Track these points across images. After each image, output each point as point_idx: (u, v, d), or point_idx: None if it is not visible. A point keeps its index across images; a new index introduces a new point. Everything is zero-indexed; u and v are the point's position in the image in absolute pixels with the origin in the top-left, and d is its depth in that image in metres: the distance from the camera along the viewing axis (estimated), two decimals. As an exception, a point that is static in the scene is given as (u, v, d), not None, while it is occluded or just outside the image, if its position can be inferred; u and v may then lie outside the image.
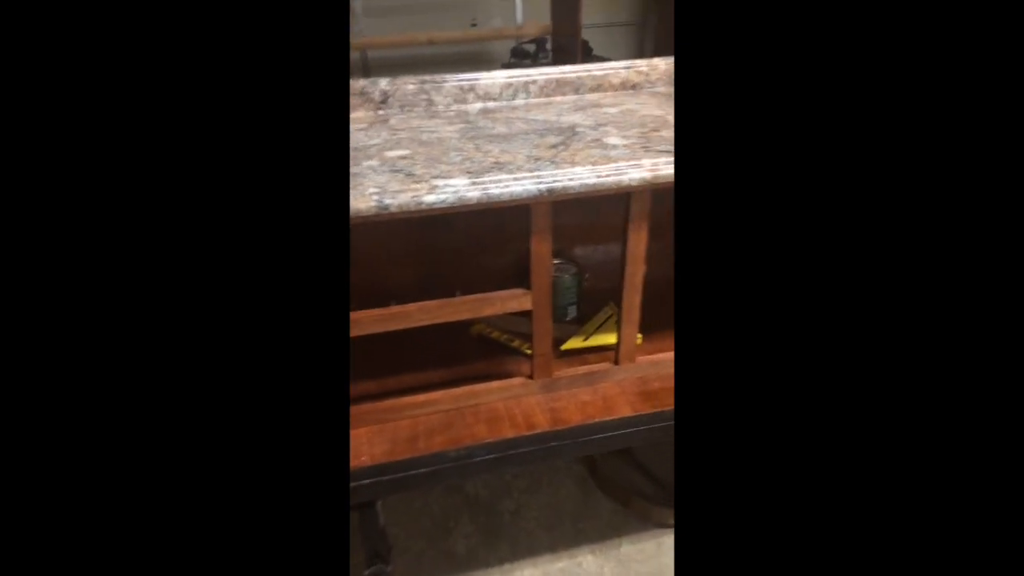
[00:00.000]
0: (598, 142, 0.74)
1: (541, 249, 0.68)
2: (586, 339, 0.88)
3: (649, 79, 1.05)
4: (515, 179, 0.62)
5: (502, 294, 0.71)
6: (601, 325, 0.92)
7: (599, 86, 1.04)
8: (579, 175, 0.64)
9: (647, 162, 0.66)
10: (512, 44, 3.01)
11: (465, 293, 0.72)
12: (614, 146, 0.72)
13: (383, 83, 0.96)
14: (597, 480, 1.10)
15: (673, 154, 0.68)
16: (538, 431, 0.73)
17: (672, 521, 1.02)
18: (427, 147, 0.74)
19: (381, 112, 0.95)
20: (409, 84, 0.97)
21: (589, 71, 1.04)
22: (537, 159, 0.68)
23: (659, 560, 0.94)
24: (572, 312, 0.97)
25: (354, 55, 3.11)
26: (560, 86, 1.03)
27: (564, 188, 0.63)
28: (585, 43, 2.81)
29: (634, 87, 1.05)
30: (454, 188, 0.61)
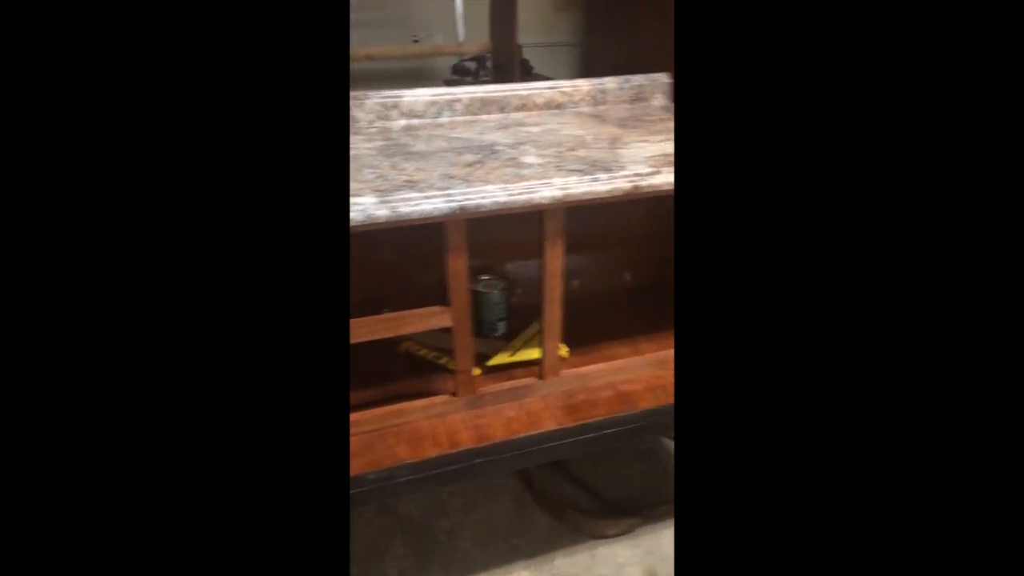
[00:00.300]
0: (514, 161, 0.75)
1: (458, 266, 0.68)
2: (513, 354, 0.89)
3: (572, 99, 1.08)
4: (425, 197, 0.63)
5: (421, 312, 0.70)
6: (529, 340, 0.93)
7: (524, 105, 1.06)
8: (490, 193, 0.65)
9: (559, 181, 0.68)
10: (453, 61, 3.03)
11: (394, 310, 0.71)
12: (529, 165, 0.73)
13: (304, 101, 0.95)
14: (533, 495, 1.10)
15: (586, 173, 0.70)
16: (462, 449, 0.72)
17: (608, 532, 1.03)
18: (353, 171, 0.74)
19: (302, 130, 0.94)
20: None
21: (515, 90, 1.06)
22: (451, 177, 0.68)
23: (592, 572, 0.95)
24: (502, 327, 0.98)
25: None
26: (485, 105, 1.04)
27: (475, 206, 0.64)
28: (525, 62, 2.86)
29: (559, 107, 1.08)
30: (361, 207, 0.60)
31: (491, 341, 0.94)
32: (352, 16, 3.13)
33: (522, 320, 0.99)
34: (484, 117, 1.03)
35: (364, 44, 3.16)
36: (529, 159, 0.76)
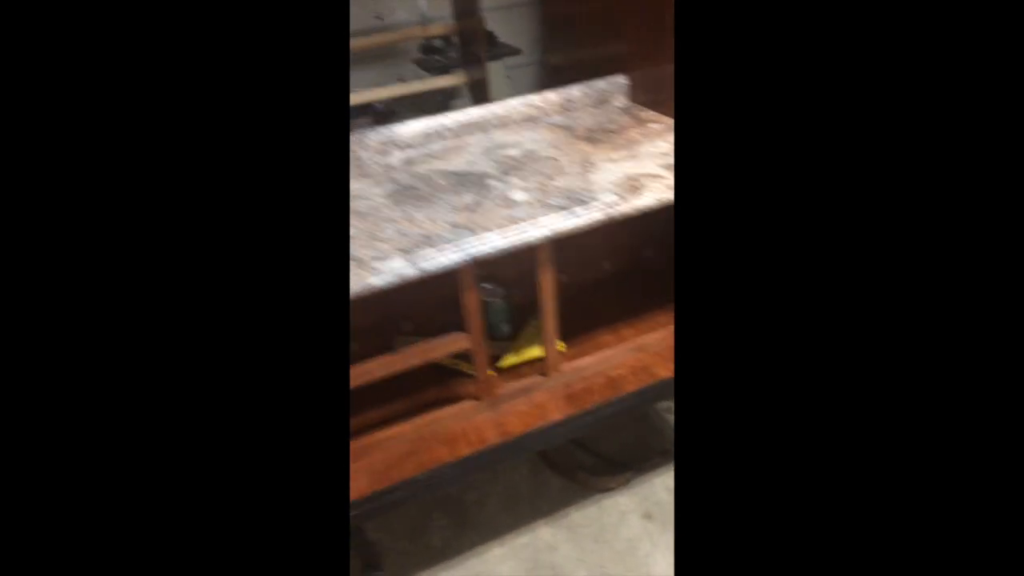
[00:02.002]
0: (504, 199, 0.88)
1: (471, 301, 0.82)
2: (518, 354, 1.04)
3: (545, 112, 1.19)
4: (442, 253, 0.76)
5: (444, 340, 0.85)
6: (530, 339, 1.08)
7: (503, 123, 1.17)
8: (492, 240, 0.78)
9: (545, 219, 0.81)
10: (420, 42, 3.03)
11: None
12: (518, 203, 0.86)
13: (309, 147, 1.05)
14: (546, 462, 1.29)
15: (566, 208, 0.83)
16: (489, 445, 0.89)
17: (611, 485, 1.23)
18: (364, 220, 0.86)
19: (311, 174, 1.04)
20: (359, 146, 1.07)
21: (494, 112, 1.17)
22: (456, 226, 0.81)
23: (601, 521, 1.14)
24: (506, 329, 1.12)
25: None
26: (469, 128, 1.15)
27: (482, 254, 0.77)
28: (490, 34, 2.89)
29: (533, 120, 1.19)
30: (394, 269, 0.73)
31: (500, 343, 1.09)
32: None
33: (522, 316, 1.14)
34: (469, 140, 1.14)
35: (327, 27, 3.13)
36: (517, 195, 0.89)
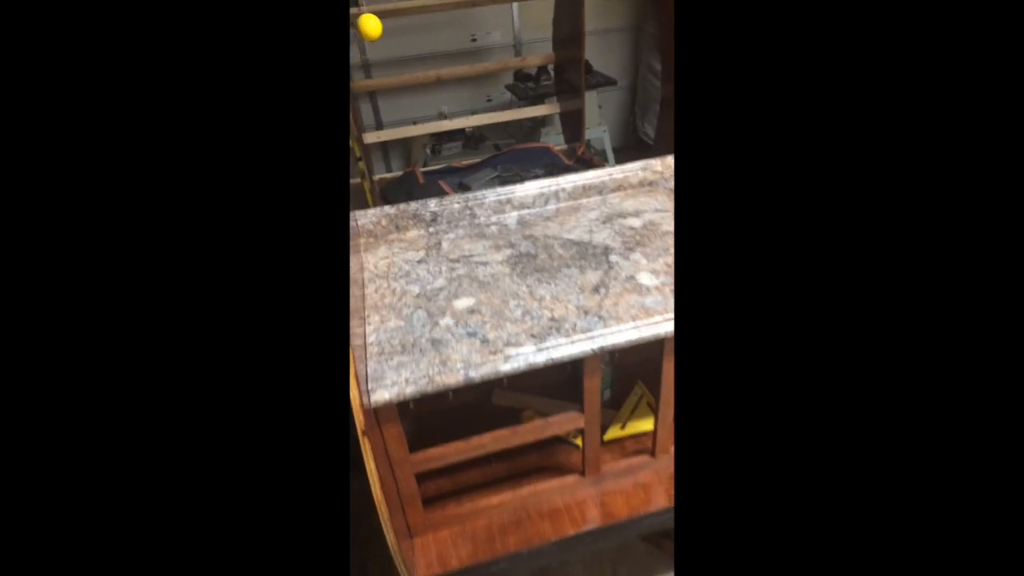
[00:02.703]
0: (633, 282, 0.87)
1: (592, 385, 0.82)
2: (623, 426, 1.03)
3: (664, 176, 1.17)
4: (572, 343, 0.76)
5: (559, 418, 0.85)
6: (634, 409, 1.07)
7: (620, 187, 1.16)
8: (624, 332, 0.77)
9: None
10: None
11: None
12: (647, 289, 0.85)
13: (432, 204, 1.08)
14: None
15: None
16: (592, 526, 0.88)
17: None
18: (487, 292, 0.87)
19: (432, 230, 1.07)
20: (455, 203, 1.09)
21: (610, 174, 1.16)
22: (586, 312, 0.81)
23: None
24: (607, 394, 1.12)
25: (364, 100, 3.17)
26: (586, 191, 1.15)
27: (612, 346, 0.77)
28: (586, 63, 2.88)
29: (651, 184, 1.17)
30: (524, 356, 0.74)
31: (602, 410, 1.08)
32: (409, 21, 3.17)
33: (623, 382, 1.12)
34: (585, 202, 1.14)
35: (425, 48, 3.23)
36: (645, 278, 0.88)
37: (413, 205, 1.07)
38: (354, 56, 3.10)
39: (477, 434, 0.82)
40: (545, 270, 0.92)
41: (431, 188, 2.06)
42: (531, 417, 1.08)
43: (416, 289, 0.90)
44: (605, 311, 0.81)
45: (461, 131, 3.11)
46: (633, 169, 1.17)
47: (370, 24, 0.99)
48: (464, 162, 2.38)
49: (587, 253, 0.96)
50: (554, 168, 2.25)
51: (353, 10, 1.85)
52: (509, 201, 1.11)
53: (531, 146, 2.52)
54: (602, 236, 1.01)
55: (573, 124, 2.54)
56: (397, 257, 1.00)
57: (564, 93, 2.60)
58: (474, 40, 3.30)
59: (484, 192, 1.10)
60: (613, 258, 0.94)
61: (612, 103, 3.69)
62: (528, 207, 1.13)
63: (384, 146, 3.50)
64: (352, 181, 2.09)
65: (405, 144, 3.38)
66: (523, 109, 2.52)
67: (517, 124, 3.26)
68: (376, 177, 2.34)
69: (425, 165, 2.86)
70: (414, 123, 3.30)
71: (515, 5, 3.18)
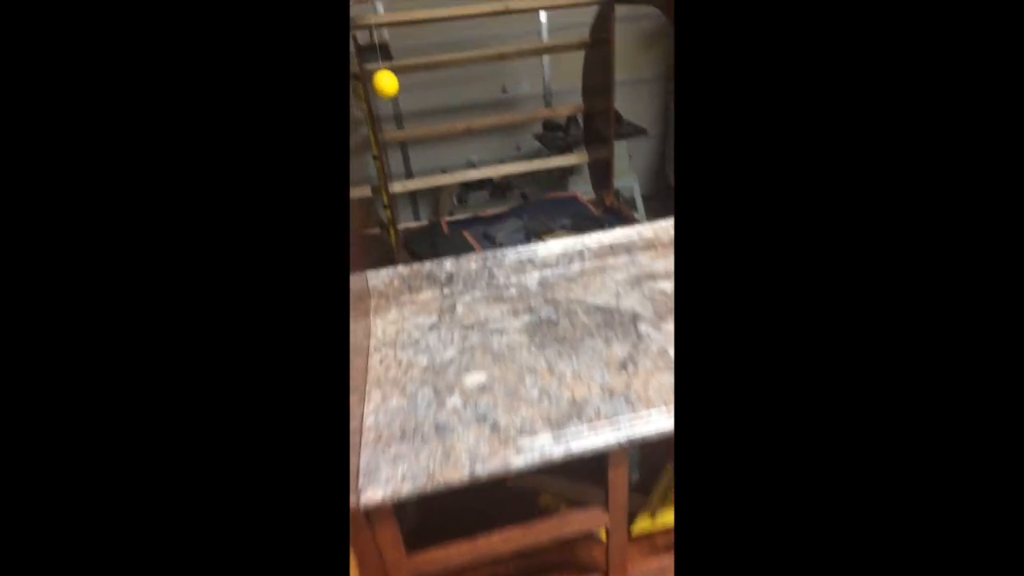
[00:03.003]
0: (665, 358, 0.77)
1: (618, 478, 0.72)
2: (653, 515, 0.91)
3: (699, 235, 1.09)
4: (595, 432, 0.66)
5: (580, 516, 0.74)
6: (665, 496, 0.95)
7: (650, 246, 1.08)
8: (654, 419, 0.67)
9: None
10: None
11: None
12: (682, 367, 0.75)
13: (448, 264, 1.02)
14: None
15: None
16: (619, 643, 0.76)
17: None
18: (503, 365, 0.79)
19: (447, 291, 1.00)
20: (472, 263, 1.02)
21: (640, 233, 1.08)
22: (611, 393, 0.71)
23: None
24: (635, 477, 1.00)
25: (395, 150, 3.22)
26: (613, 250, 1.07)
27: (641, 437, 0.66)
28: (616, 113, 2.86)
29: (685, 243, 1.09)
30: (539, 447, 0.65)
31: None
32: (443, 73, 3.23)
33: (650, 463, 1.01)
34: (612, 261, 1.06)
35: (455, 99, 3.28)
36: (678, 353, 0.78)
37: (428, 265, 1.01)
38: (385, 108, 3.16)
39: (487, 519, 0.71)
40: (567, 340, 0.83)
41: (455, 239, 2.02)
42: (548, 502, 0.97)
43: (424, 360, 0.82)
44: (633, 392, 0.71)
45: (488, 180, 3.10)
46: (664, 227, 1.09)
47: (385, 81, 0.96)
48: (490, 212, 2.34)
49: (613, 321, 0.87)
50: (582, 219, 2.19)
51: (373, 65, 1.87)
52: (531, 260, 1.04)
53: (559, 196, 2.47)
54: (630, 301, 0.92)
55: (602, 174, 2.49)
56: (408, 322, 0.92)
57: (593, 143, 2.57)
58: (505, 91, 3.33)
59: (504, 251, 1.04)
60: (643, 328, 0.84)
61: (642, 151, 3.66)
62: (551, 267, 1.05)
63: (413, 194, 3.53)
64: (375, 232, 2.06)
65: (433, 192, 3.39)
66: (551, 159, 2.49)
67: (545, 173, 3.24)
68: (401, 226, 2.32)
69: (451, 214, 2.85)
70: (443, 172, 3.32)
71: (546, 57, 3.22)
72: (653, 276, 0.99)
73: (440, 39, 2.96)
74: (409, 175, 3.36)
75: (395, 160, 3.33)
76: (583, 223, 2.17)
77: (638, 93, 3.49)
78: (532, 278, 1.02)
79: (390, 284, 1.00)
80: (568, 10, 2.12)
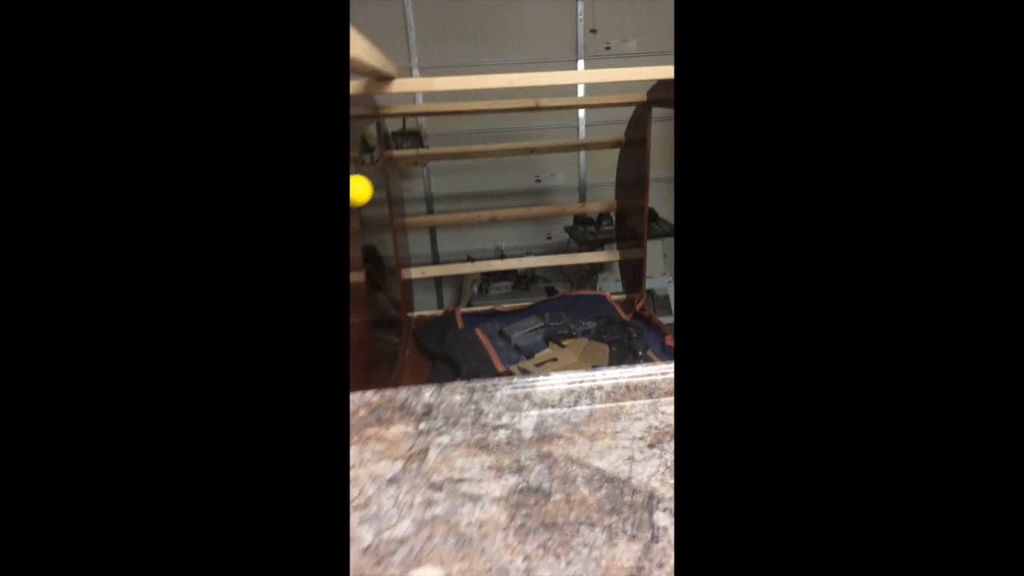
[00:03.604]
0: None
1: None
2: None
3: (738, 379, 0.89)
4: None
5: None
6: None
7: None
8: None
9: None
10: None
11: None
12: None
13: (427, 394, 0.85)
14: None
15: None
16: None
17: None
18: (466, 559, 0.59)
19: (423, 427, 0.83)
20: (456, 394, 0.85)
21: (664, 373, 0.89)
22: (605, 634, 0.50)
23: None
24: None
25: (422, 232, 3.19)
26: (630, 391, 0.88)
27: None
28: (651, 210, 2.75)
29: (720, 388, 0.89)
30: None
31: None
32: (476, 162, 3.23)
33: None
34: (629, 406, 0.87)
35: (491, 185, 3.25)
36: (706, 568, 0.57)
37: (403, 393, 0.84)
38: (417, 190, 3.15)
39: None
40: (556, 526, 0.63)
41: (467, 336, 1.86)
42: None
43: (367, 537, 0.63)
44: (637, 640, 0.50)
45: (512, 273, 2.99)
46: (696, 367, 0.90)
47: (357, 189, 0.84)
48: (510, 306, 2.19)
49: (622, 500, 0.67)
50: (608, 323, 2.01)
51: (403, 152, 1.82)
52: (528, 396, 0.86)
53: (585, 293, 2.31)
54: (646, 471, 0.72)
55: (633, 273, 2.34)
56: (366, 468, 0.74)
57: (625, 240, 2.44)
58: (538, 181, 3.30)
59: (496, 381, 0.86)
60: (660, 518, 0.64)
61: (679, 249, 3.51)
62: (552, 406, 0.86)
63: (438, 278, 3.44)
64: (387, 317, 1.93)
65: (457, 277, 3.30)
66: (580, 255, 2.36)
67: (574, 267, 3.12)
68: (414, 314, 2.19)
69: (469, 304, 2.72)
70: (469, 257, 3.24)
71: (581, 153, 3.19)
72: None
73: (476, 127, 2.98)
74: (436, 258, 3.29)
75: (422, 242, 3.27)
76: (608, 328, 1.98)
77: (671, 191, 3.41)
78: (528, 420, 0.84)
79: (354, 414, 0.83)
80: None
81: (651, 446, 0.77)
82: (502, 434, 0.81)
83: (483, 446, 0.78)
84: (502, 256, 3.26)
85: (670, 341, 1.83)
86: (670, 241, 3.06)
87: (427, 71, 2.91)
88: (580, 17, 2.96)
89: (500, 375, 1.58)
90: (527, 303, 2.26)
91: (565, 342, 1.84)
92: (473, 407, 0.85)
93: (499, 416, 0.84)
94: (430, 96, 2.78)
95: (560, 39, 3.01)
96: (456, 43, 2.90)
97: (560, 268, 3.18)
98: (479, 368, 1.63)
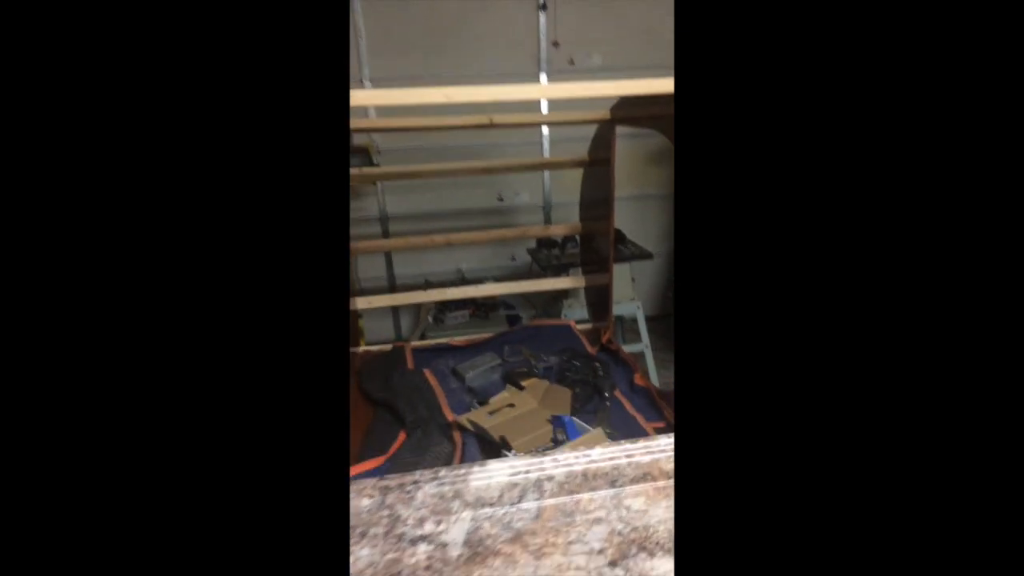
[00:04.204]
0: None
1: None
2: None
3: (718, 462, 0.73)
4: None
5: None
6: None
7: (645, 476, 0.72)
8: None
9: None
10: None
11: None
12: None
13: (325, 497, 0.66)
14: None
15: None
16: None
17: None
18: None
19: (318, 542, 0.64)
20: (364, 497, 0.67)
21: (629, 455, 0.73)
22: None
23: None
24: None
25: (377, 255, 2.99)
26: (588, 480, 0.71)
27: None
28: (618, 232, 2.61)
29: (696, 472, 0.73)
30: None
31: None
32: (439, 181, 3.04)
33: None
34: (586, 499, 0.69)
35: (451, 204, 3.07)
36: None
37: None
38: (371, 209, 2.95)
39: None
40: None
41: (414, 378, 1.67)
42: None
43: None
44: None
45: (471, 302, 2.80)
46: (663, 446, 0.73)
47: None
48: (466, 339, 2.00)
49: (571, 664, 0.49)
50: (573, 356, 1.84)
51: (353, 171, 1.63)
52: (457, 494, 0.68)
53: (548, 323, 2.14)
54: (606, 608, 0.54)
55: (599, 300, 2.18)
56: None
57: (591, 264, 2.29)
58: (501, 199, 3.14)
59: (418, 475, 0.68)
60: None
61: (647, 270, 3.39)
62: (489, 504, 0.69)
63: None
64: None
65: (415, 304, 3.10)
66: (543, 281, 2.19)
67: (537, 293, 2.96)
68: (360, 349, 1.98)
69: (423, 336, 2.52)
70: (427, 281, 3.05)
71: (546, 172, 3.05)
72: (645, 542, 0.62)
73: (434, 143, 2.80)
74: (392, 282, 3.09)
75: (377, 265, 3.07)
76: (572, 363, 1.81)
77: (644, 209, 3.28)
78: (456, 530, 0.65)
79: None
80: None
81: (613, 564, 0.60)
82: (421, 552, 0.62)
83: (394, 569, 0.60)
84: (463, 278, 3.07)
85: (639, 380, 1.67)
86: (638, 264, 2.93)
87: (379, 83, 2.73)
88: (542, 28, 2.83)
89: (448, 425, 1.39)
90: (486, 334, 2.08)
91: (525, 382, 1.66)
92: (387, 512, 0.66)
93: (420, 524, 0.66)
94: (384, 111, 2.59)
95: (521, 51, 2.87)
96: (411, 54, 2.73)
97: (523, 294, 3.01)
98: (426, 418, 1.44)
